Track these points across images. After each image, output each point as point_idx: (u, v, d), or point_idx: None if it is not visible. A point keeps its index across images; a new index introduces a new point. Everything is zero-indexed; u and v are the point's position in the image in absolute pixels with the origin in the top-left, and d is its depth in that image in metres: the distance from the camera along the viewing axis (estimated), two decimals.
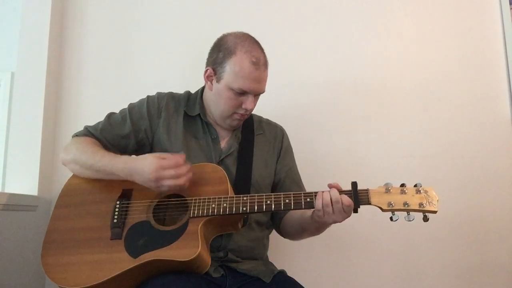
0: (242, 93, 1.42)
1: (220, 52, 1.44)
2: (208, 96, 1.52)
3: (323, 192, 1.27)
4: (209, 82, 1.49)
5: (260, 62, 1.42)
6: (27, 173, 1.87)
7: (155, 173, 1.27)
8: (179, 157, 1.31)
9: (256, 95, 1.47)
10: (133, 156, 1.41)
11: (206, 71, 1.48)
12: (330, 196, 1.25)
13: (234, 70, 1.40)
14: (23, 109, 1.93)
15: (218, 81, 1.44)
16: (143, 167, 1.30)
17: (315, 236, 1.50)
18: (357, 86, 2.02)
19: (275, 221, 1.57)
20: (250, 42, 1.45)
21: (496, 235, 1.89)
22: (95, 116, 1.54)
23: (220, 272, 1.35)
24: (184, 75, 2.03)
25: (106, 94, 2.04)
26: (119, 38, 2.11)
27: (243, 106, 1.44)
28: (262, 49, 1.47)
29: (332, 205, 1.25)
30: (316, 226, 1.38)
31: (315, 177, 1.74)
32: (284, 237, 1.59)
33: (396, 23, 2.07)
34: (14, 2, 2.07)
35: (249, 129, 1.58)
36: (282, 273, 1.46)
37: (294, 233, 1.53)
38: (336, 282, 1.90)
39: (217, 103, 1.48)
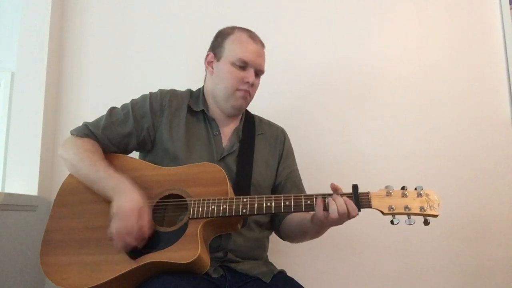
0: (243, 66, 1.47)
1: (219, 37, 1.55)
2: (209, 84, 1.55)
3: (323, 200, 1.26)
4: (210, 68, 1.54)
5: (256, 38, 1.52)
6: (27, 173, 1.87)
7: (123, 221, 1.24)
8: (147, 230, 1.26)
9: (257, 71, 1.50)
10: (129, 182, 1.32)
11: (206, 56, 1.55)
12: (337, 206, 1.24)
13: (233, 44, 1.49)
14: (23, 109, 1.93)
15: (218, 60, 1.50)
16: (130, 198, 1.27)
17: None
18: (357, 86, 2.02)
19: (274, 223, 1.57)
20: (246, 28, 1.55)
21: (496, 235, 1.89)
22: (95, 116, 1.53)
23: (219, 272, 1.35)
24: (185, 74, 2.03)
25: (106, 94, 2.04)
26: (119, 38, 2.10)
27: (245, 80, 1.47)
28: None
29: (338, 215, 1.24)
30: (317, 229, 1.38)
31: (315, 178, 1.74)
32: (284, 240, 1.59)
33: (396, 24, 2.07)
34: (14, 2, 2.07)
35: (250, 128, 1.58)
36: (282, 273, 1.45)
37: (294, 236, 1.53)
38: (336, 282, 1.90)
39: (219, 84, 1.50)
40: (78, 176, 1.40)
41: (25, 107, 1.93)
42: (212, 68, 1.53)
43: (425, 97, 1.99)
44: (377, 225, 1.83)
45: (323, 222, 1.27)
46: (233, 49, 1.48)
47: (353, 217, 1.26)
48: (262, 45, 1.54)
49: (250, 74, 1.48)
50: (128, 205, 1.26)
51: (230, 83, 1.48)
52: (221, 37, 1.53)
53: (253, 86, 1.51)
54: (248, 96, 1.51)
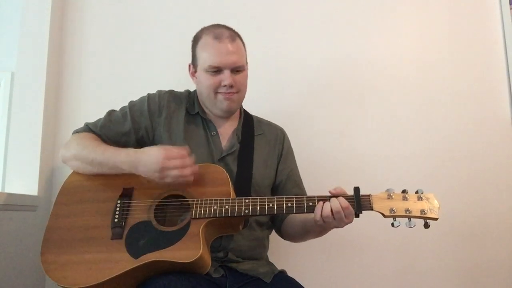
0: (217, 70, 1.45)
1: (192, 46, 1.54)
2: (198, 90, 1.56)
3: (323, 203, 1.27)
4: (194, 78, 1.55)
5: (223, 36, 1.46)
6: (27, 173, 1.87)
7: (162, 162, 1.28)
8: (184, 149, 1.32)
9: (233, 70, 1.47)
10: (136, 149, 1.39)
11: (188, 68, 1.57)
12: (331, 207, 1.25)
13: (202, 51, 1.48)
14: (23, 109, 1.92)
15: (196, 70, 1.52)
16: (149, 157, 1.31)
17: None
18: (357, 86, 2.02)
19: (275, 223, 1.57)
20: (214, 25, 1.52)
21: (496, 235, 1.89)
22: (95, 116, 1.54)
23: (220, 272, 1.35)
24: (185, 74, 2.01)
25: (106, 94, 2.03)
26: (119, 38, 2.10)
27: (222, 84, 1.46)
28: (227, 27, 1.52)
29: (333, 215, 1.25)
30: (319, 230, 1.39)
31: (317, 179, 1.74)
32: (285, 239, 1.59)
33: (396, 23, 2.07)
34: (14, 2, 2.07)
35: (249, 129, 1.59)
36: (283, 273, 1.46)
37: (297, 235, 1.53)
38: (336, 282, 1.90)
39: (202, 92, 1.51)
40: (85, 168, 1.41)
41: (25, 107, 1.92)
42: (196, 78, 1.54)
43: (425, 97, 2.00)
44: (377, 226, 1.82)
45: (322, 225, 1.28)
46: (202, 57, 1.47)
47: (351, 218, 1.26)
48: (231, 39, 1.47)
49: (225, 77, 1.45)
50: (154, 149, 1.32)
51: (209, 89, 1.47)
52: (193, 45, 1.53)
53: (234, 86, 1.47)
54: (231, 96, 1.48)
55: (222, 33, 1.47)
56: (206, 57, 1.46)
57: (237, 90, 1.49)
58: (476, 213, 1.90)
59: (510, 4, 2.00)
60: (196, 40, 1.52)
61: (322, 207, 1.26)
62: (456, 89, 1.99)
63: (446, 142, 1.96)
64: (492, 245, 1.88)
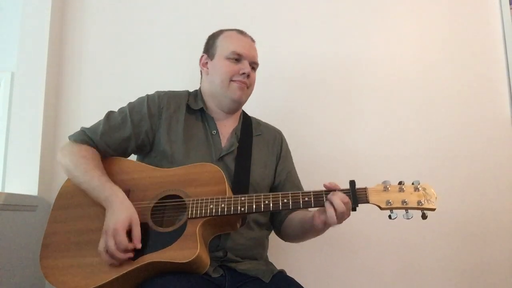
0: (237, 58, 1.51)
1: (210, 40, 1.61)
2: (206, 83, 1.58)
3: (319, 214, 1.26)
4: (205, 68, 1.57)
5: (246, 34, 1.59)
6: (27, 173, 1.88)
7: (114, 230, 1.23)
8: (135, 244, 1.25)
9: (251, 63, 1.53)
10: (121, 193, 1.32)
11: (201, 58, 1.59)
12: (335, 209, 1.22)
13: (225, 40, 1.55)
14: (23, 109, 1.93)
15: (212, 58, 1.55)
16: (118, 215, 1.26)
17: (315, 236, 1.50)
18: (357, 85, 2.02)
19: (275, 224, 1.57)
20: (235, 28, 1.61)
21: (496, 235, 1.89)
22: (95, 116, 1.53)
23: (219, 272, 1.35)
24: (185, 75, 2.03)
25: (106, 94, 2.04)
26: (119, 38, 2.11)
27: (241, 71, 1.50)
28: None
29: (336, 216, 1.23)
30: (319, 228, 1.38)
31: (316, 179, 1.73)
32: (285, 241, 1.59)
33: (396, 23, 2.07)
34: (14, 2, 2.07)
35: (248, 129, 1.59)
36: (282, 273, 1.46)
37: (296, 235, 1.53)
38: (336, 282, 1.90)
39: (215, 79, 1.53)
40: (74, 181, 1.40)
41: (25, 107, 1.93)
42: (207, 68, 1.56)
43: (425, 97, 1.99)
44: (376, 225, 1.84)
45: (323, 228, 1.29)
46: (225, 45, 1.53)
47: (349, 213, 1.25)
48: (252, 39, 1.59)
49: (245, 65, 1.51)
50: (124, 214, 1.25)
51: (226, 76, 1.51)
52: (212, 39, 1.59)
53: (249, 77, 1.53)
54: (245, 87, 1.53)
55: (245, 32, 1.59)
56: (230, 45, 1.53)
57: (249, 85, 1.54)
58: (476, 213, 1.90)
59: (510, 4, 2.00)
60: (217, 34, 1.59)
61: (327, 216, 1.23)
62: (456, 89, 1.99)
63: (446, 142, 1.95)
64: (492, 245, 1.88)
